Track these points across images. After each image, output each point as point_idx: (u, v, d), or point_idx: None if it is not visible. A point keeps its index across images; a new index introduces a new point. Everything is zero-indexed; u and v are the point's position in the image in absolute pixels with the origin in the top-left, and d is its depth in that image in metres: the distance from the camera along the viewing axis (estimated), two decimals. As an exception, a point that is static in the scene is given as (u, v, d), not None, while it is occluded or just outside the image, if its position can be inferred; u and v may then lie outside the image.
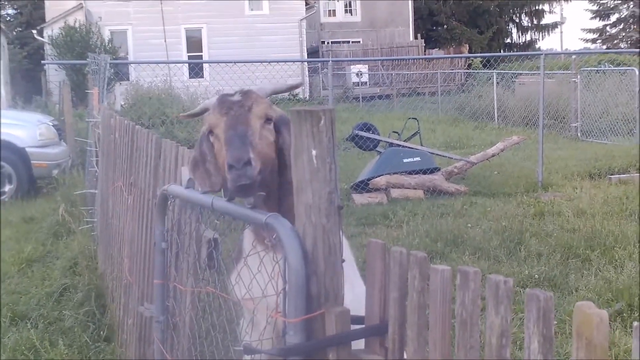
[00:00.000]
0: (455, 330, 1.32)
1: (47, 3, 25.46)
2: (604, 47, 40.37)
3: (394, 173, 8.90)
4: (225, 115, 2.07)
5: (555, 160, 11.00)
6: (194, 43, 25.91)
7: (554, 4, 43.15)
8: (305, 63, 25.37)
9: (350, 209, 8.15)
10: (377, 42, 31.98)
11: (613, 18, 42.06)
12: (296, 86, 2.50)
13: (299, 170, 1.57)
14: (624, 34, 41.48)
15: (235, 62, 8.70)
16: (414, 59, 29.50)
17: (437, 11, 38.95)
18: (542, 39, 47.11)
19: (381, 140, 9.52)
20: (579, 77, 15.16)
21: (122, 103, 15.35)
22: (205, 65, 21.33)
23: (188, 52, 25.65)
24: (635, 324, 1.06)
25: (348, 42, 32.84)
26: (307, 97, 25.31)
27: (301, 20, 27.02)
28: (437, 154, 9.87)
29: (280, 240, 1.56)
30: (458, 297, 1.31)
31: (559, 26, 43.21)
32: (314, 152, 1.55)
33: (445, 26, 39.44)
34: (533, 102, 14.18)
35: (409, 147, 9.44)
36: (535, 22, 43.22)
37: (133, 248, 3.68)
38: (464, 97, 20.26)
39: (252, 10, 26.51)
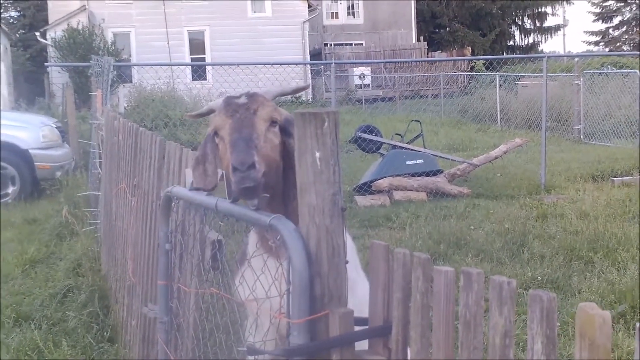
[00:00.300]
0: (459, 331, 1.33)
1: (50, 5, 25.51)
2: (607, 49, 40.36)
3: (396, 175, 8.91)
4: (231, 117, 2.07)
5: (558, 163, 11.00)
6: (196, 45, 25.95)
7: (557, 6, 43.15)
8: (308, 65, 25.39)
9: (353, 210, 8.15)
10: (380, 45, 31.98)
11: (616, 20, 42.08)
12: (303, 88, 2.51)
13: (302, 172, 1.58)
14: (626, 37, 41.47)
15: (238, 65, 8.71)
16: (416, 61, 29.49)
17: (439, 13, 38.97)
18: (545, 42, 47.06)
19: (384, 143, 9.53)
20: (581, 79, 15.15)
21: (125, 105, 15.38)
22: (208, 68, 21.34)
23: (191, 54, 25.69)
24: (638, 324, 1.06)
25: (351, 44, 32.85)
26: (310, 100, 25.33)
27: (304, 22, 27.05)
28: (439, 156, 9.88)
29: (284, 242, 1.57)
30: (461, 298, 1.32)
31: (561, 29, 43.22)
32: (317, 154, 1.55)
33: (447, 29, 39.45)
34: (536, 104, 14.20)
35: (412, 150, 9.44)
36: (537, 24, 43.20)
37: (137, 249, 3.69)
38: (467, 99, 20.27)
39: (254, 12, 26.55)
